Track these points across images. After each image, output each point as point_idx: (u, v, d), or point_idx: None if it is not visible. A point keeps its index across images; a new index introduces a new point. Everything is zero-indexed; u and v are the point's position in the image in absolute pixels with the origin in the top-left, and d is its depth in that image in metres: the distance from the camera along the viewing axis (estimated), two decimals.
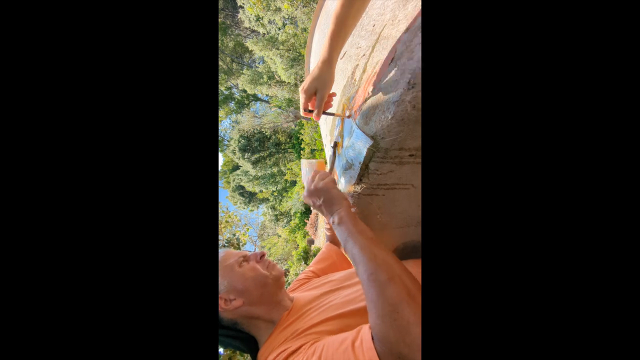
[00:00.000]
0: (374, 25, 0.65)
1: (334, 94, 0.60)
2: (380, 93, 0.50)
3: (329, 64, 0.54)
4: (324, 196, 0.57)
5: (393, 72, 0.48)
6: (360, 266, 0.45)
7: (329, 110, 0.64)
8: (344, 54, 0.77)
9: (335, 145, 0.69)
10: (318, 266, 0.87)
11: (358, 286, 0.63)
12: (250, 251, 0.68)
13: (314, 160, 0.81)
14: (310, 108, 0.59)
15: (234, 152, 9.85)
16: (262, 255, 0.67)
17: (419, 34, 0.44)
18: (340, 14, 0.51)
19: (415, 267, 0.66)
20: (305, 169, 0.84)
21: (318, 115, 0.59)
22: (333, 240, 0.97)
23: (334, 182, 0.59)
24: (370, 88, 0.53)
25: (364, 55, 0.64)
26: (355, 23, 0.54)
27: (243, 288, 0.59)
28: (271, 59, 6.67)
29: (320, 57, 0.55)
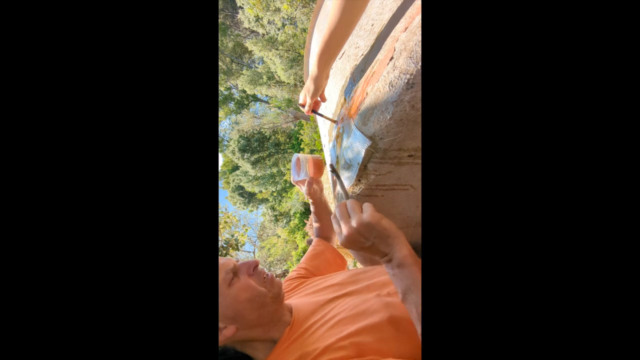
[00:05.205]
0: (372, 25, 0.64)
1: (322, 100, 0.69)
2: (379, 93, 0.49)
3: (318, 79, 0.62)
4: (376, 231, 0.44)
5: (392, 72, 0.47)
6: None
7: (320, 111, 0.70)
8: (343, 53, 0.76)
9: (334, 170, 0.65)
10: (311, 263, 0.79)
11: (367, 294, 0.56)
12: (237, 259, 0.57)
13: (307, 156, 0.73)
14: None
15: (233, 153, 9.83)
16: (256, 266, 0.54)
17: (418, 33, 0.44)
18: (327, 38, 0.56)
19: None
20: (295, 169, 0.76)
21: (307, 112, 0.68)
22: (322, 234, 0.88)
23: (376, 210, 0.47)
24: (369, 88, 0.53)
25: (362, 55, 0.64)
26: (344, 41, 0.59)
27: (236, 313, 0.48)
28: (270, 59, 6.65)
29: (310, 72, 0.62)
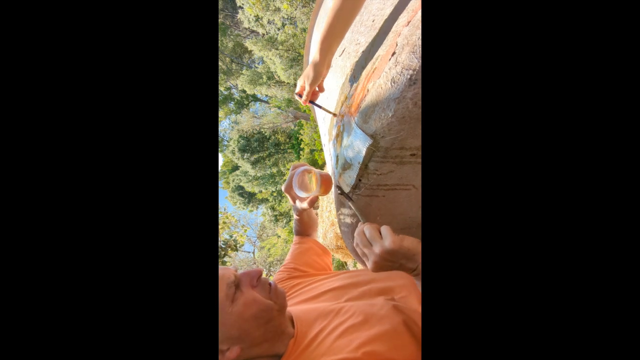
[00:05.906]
0: (373, 21, 0.63)
1: (320, 90, 0.66)
2: (380, 90, 0.48)
3: (319, 65, 0.60)
4: (400, 254, 0.46)
5: (394, 67, 0.45)
6: None
7: (318, 102, 0.68)
8: (343, 50, 0.75)
9: (343, 192, 0.61)
10: (300, 260, 0.75)
11: (372, 298, 0.54)
12: (235, 268, 0.52)
13: (318, 173, 0.66)
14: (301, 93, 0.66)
15: (233, 153, 9.83)
16: (259, 276, 0.50)
17: (421, 27, 0.42)
18: (330, 22, 0.56)
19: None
20: (297, 181, 0.67)
21: (305, 101, 0.65)
22: (303, 232, 0.83)
23: (394, 233, 0.47)
24: (370, 85, 0.51)
25: (363, 51, 0.62)
26: (348, 26, 0.58)
27: (241, 332, 0.44)
28: (270, 59, 6.65)
29: (312, 58, 0.61)
